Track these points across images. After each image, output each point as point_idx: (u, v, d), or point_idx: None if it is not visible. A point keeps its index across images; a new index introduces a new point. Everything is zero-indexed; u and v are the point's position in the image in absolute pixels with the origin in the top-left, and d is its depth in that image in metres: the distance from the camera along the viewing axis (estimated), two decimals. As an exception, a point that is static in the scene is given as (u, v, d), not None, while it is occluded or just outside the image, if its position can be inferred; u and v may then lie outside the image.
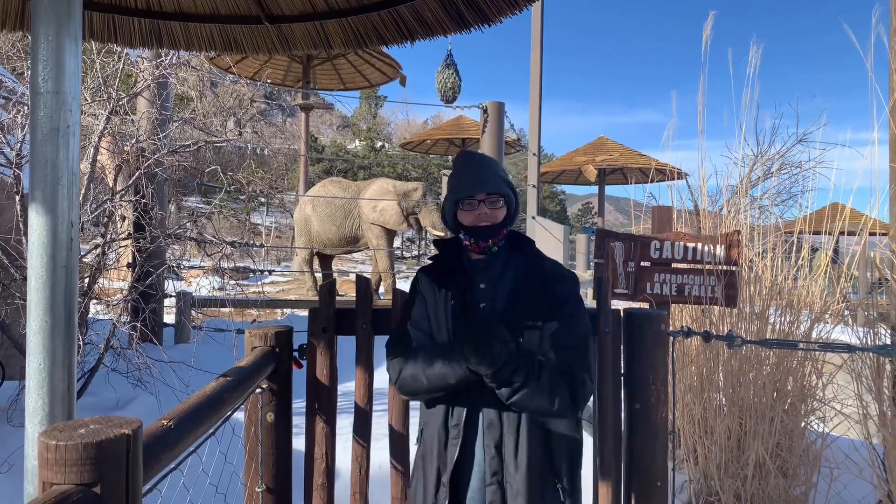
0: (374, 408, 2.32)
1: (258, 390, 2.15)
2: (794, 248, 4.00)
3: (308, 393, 2.26)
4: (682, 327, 2.47)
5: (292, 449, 2.30)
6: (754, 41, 3.51)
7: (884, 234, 4.34)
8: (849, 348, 2.42)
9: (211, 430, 1.65)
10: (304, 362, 2.30)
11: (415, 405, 2.37)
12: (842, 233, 3.85)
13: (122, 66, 3.76)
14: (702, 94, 3.78)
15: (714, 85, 3.99)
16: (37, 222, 1.55)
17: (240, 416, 2.13)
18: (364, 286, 2.31)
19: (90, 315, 4.86)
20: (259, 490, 2.16)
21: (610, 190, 20.60)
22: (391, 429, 2.30)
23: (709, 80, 3.97)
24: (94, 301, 4.68)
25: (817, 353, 3.32)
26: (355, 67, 17.54)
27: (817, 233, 4.38)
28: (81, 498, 1.02)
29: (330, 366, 2.24)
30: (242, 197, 25.75)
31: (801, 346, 2.58)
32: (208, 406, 1.57)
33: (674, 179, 4.86)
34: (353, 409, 2.31)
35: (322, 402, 2.24)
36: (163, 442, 1.33)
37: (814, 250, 3.96)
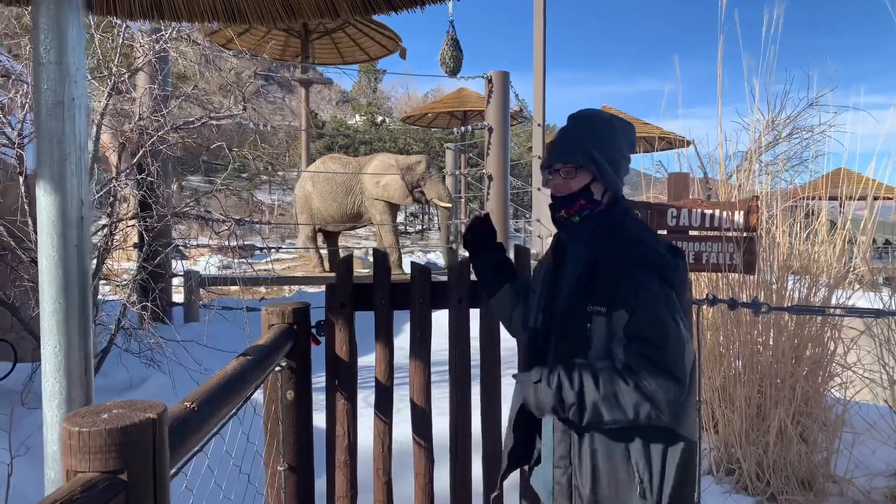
0: (395, 382, 2.29)
1: (277, 368, 2.10)
2: (810, 214, 3.93)
3: (328, 370, 2.22)
4: (707, 295, 2.41)
5: (313, 426, 2.27)
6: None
7: (888, 199, 4.26)
8: (878, 313, 2.36)
9: (234, 411, 1.61)
10: (321, 339, 2.25)
11: (436, 380, 2.33)
12: (849, 198, 3.78)
13: (121, 40, 3.66)
14: (721, 53, 3.67)
15: (715, 51, 3.86)
16: (45, 201, 1.49)
17: (259, 395, 2.09)
18: (382, 260, 2.25)
19: (100, 296, 4.83)
20: (281, 469, 2.13)
21: (614, 159, 20.35)
22: (413, 404, 2.26)
23: (714, 46, 3.85)
24: (103, 282, 4.64)
25: (837, 318, 3.27)
26: (354, 41, 17.25)
27: (833, 198, 4.30)
28: (108, 486, 0.98)
29: (349, 342, 2.20)
30: (245, 175, 25.64)
31: (829, 311, 2.52)
32: (230, 386, 1.52)
33: (677, 148, 4.78)
34: (373, 385, 2.27)
35: (342, 379, 2.20)
36: (188, 424, 1.28)
37: (832, 223, 3.87)
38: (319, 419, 2.26)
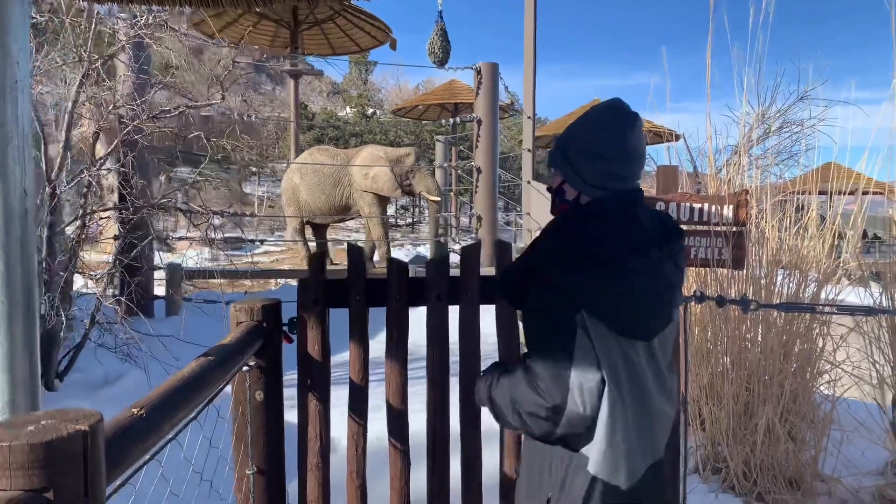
0: (372, 379, 2.20)
1: (245, 368, 2.01)
2: (799, 208, 3.87)
3: (300, 370, 2.13)
4: (694, 291, 2.34)
5: (284, 427, 2.18)
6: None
7: (878, 193, 4.23)
8: (869, 311, 2.29)
9: (191, 415, 1.51)
10: (294, 337, 2.16)
11: (410, 390, 2.24)
12: (839, 192, 3.73)
13: (94, 26, 3.53)
14: (710, 45, 3.59)
15: (706, 43, 3.79)
16: (-15, 191, 1.38)
17: (226, 395, 1.99)
18: (356, 255, 2.16)
19: (74, 289, 4.71)
20: (249, 472, 2.04)
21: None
22: (388, 405, 2.18)
23: (704, 38, 3.77)
24: (79, 274, 4.52)
25: (826, 315, 3.21)
26: (344, 32, 17.08)
27: (822, 193, 4.25)
28: (31, 506, 0.89)
29: (322, 340, 2.11)
30: (234, 166, 25.40)
31: (819, 308, 2.45)
32: (186, 389, 1.43)
33: (667, 141, 4.72)
34: (347, 381, 2.18)
35: (314, 379, 2.11)
36: (133, 433, 1.19)
37: (822, 218, 3.82)
38: (293, 414, 2.18)
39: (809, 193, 3.94)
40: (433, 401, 2.15)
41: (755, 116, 4.15)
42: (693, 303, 2.36)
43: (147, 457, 1.29)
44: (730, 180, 4.05)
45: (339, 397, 2.25)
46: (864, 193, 3.72)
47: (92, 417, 0.99)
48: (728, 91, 3.93)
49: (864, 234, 3.43)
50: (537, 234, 1.54)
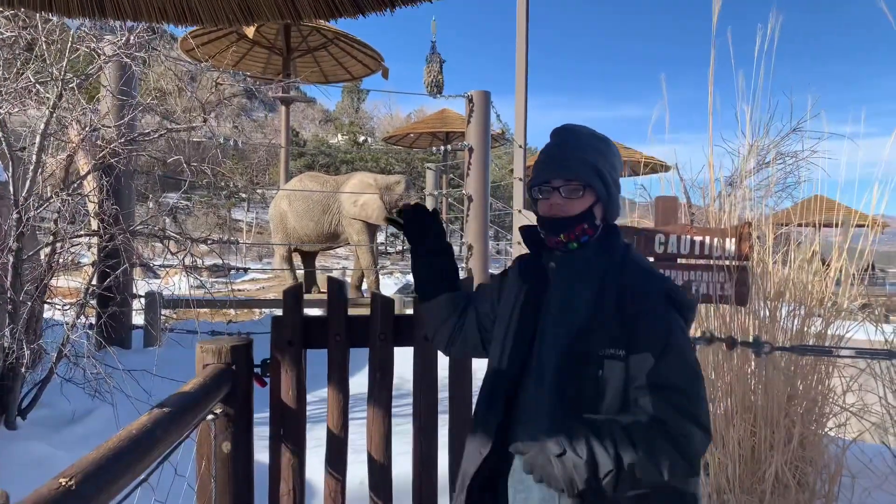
0: (352, 416, 2.00)
1: (210, 416, 1.81)
2: (797, 243, 3.75)
3: (272, 418, 1.92)
4: (703, 333, 2.16)
5: (254, 480, 1.97)
6: (773, 13, 3.19)
7: (861, 226, 4.15)
8: (890, 354, 2.12)
9: (138, 480, 1.31)
10: (267, 381, 1.96)
11: (397, 429, 2.04)
12: (826, 225, 3.66)
13: (69, 43, 3.36)
14: (712, 73, 3.47)
15: (698, 77, 3.70)
16: None
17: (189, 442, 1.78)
18: (337, 290, 1.97)
19: (47, 318, 4.48)
20: (213, 534, 1.83)
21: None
22: (370, 458, 1.97)
23: (698, 71, 3.68)
24: (48, 304, 4.29)
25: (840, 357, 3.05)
26: (336, 60, 17.11)
27: (806, 225, 4.17)
28: None
29: (297, 386, 1.91)
30: (224, 192, 25.20)
31: (836, 353, 2.28)
32: (130, 451, 1.23)
33: (660, 172, 4.63)
34: (325, 420, 1.98)
35: (289, 429, 1.90)
36: (56, 511, 0.99)
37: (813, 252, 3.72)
38: (264, 455, 1.97)
39: (805, 226, 3.83)
40: (420, 452, 1.95)
41: (748, 148, 4.05)
42: (702, 345, 2.18)
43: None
44: (730, 212, 3.92)
45: (318, 437, 2.05)
46: (861, 226, 3.61)
47: (-8, 502, 0.79)
48: (722, 123, 3.85)
49: (872, 267, 3.30)
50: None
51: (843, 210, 3.86)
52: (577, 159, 1.40)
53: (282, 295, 1.89)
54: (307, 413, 1.99)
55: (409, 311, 2.06)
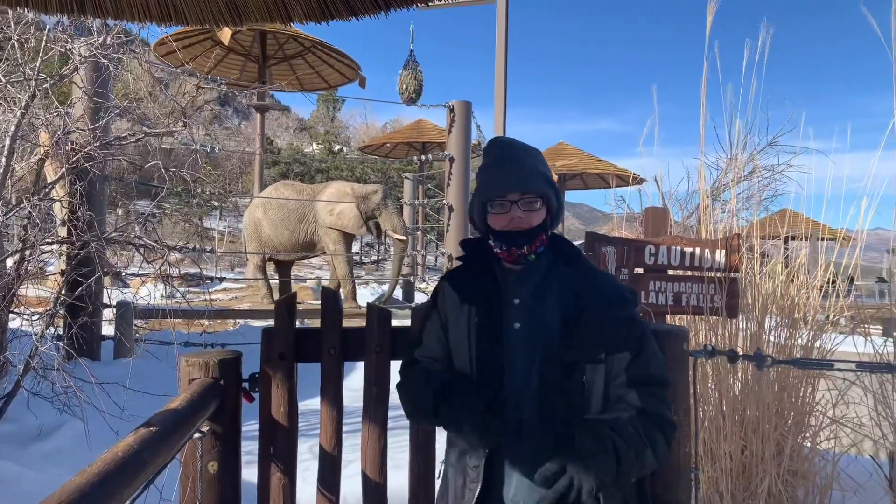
0: (346, 426, 1.91)
1: (197, 435, 1.70)
2: (783, 254, 3.77)
3: (261, 436, 1.82)
4: (705, 345, 2.12)
5: (241, 501, 1.86)
6: (764, 26, 3.20)
7: (832, 239, 4.23)
8: (890, 368, 2.09)
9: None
10: (256, 396, 1.86)
11: (393, 445, 1.96)
12: (793, 237, 3.71)
13: (43, 42, 3.22)
14: (704, 86, 3.46)
15: (675, 92, 3.72)
16: None
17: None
18: (332, 300, 1.88)
19: (11, 329, 4.28)
20: (198, 560, 1.71)
21: (568, 196, 20.50)
22: (364, 476, 1.88)
23: (673, 87, 3.70)
24: (15, 314, 4.10)
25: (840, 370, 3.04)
26: (313, 68, 16.99)
27: (776, 237, 4.23)
28: None
29: (289, 402, 1.81)
30: (195, 200, 24.79)
31: (837, 366, 2.25)
32: (117, 475, 1.12)
33: (631, 185, 4.68)
34: (318, 433, 1.88)
35: (279, 448, 1.80)
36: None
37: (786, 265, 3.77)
38: (253, 476, 1.86)
39: (772, 239, 3.88)
40: (416, 474, 1.86)
41: (727, 162, 4.09)
42: (703, 358, 2.13)
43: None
44: (710, 223, 3.93)
45: (307, 452, 1.95)
46: (831, 239, 3.66)
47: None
48: (696, 137, 3.88)
49: (852, 280, 3.35)
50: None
51: (811, 223, 3.91)
52: (533, 172, 1.42)
53: (276, 307, 1.79)
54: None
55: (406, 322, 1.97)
